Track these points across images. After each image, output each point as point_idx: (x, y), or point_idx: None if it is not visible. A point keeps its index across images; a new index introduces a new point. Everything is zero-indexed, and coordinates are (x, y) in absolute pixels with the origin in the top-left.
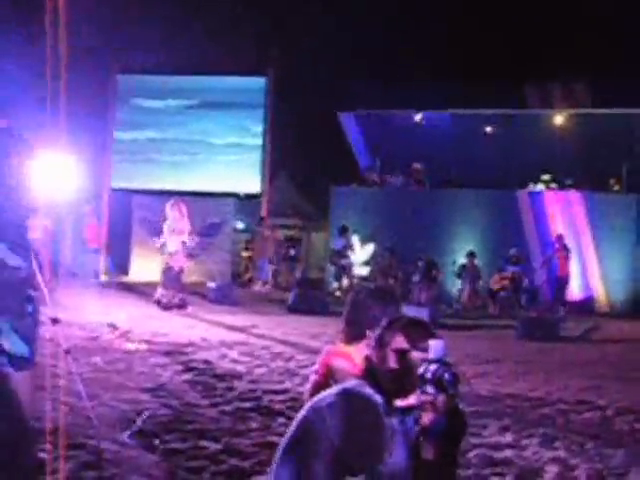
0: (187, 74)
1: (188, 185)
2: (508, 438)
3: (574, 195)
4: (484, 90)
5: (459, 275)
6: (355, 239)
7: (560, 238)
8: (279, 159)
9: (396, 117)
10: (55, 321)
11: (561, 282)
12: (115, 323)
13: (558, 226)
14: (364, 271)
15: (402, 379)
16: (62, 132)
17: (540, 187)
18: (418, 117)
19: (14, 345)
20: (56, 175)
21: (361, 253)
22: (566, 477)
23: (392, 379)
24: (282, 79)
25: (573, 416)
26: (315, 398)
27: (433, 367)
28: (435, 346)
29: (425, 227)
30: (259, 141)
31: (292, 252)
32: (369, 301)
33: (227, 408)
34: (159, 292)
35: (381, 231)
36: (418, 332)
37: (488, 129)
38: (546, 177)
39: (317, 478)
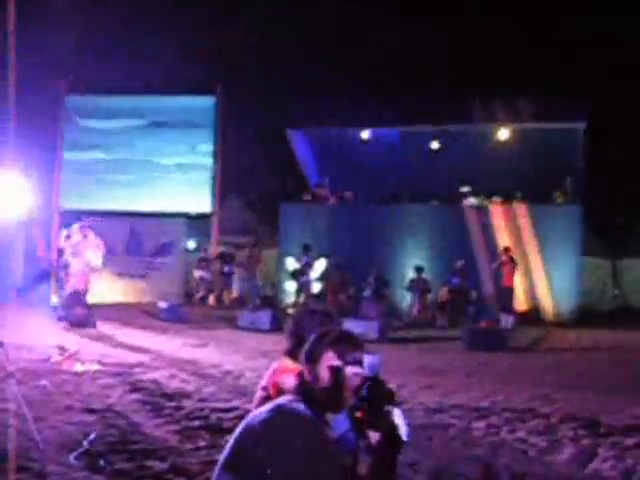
0: (135, 94)
1: (138, 205)
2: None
3: (520, 207)
4: (430, 106)
5: (408, 289)
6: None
7: (507, 250)
8: (229, 177)
9: (344, 134)
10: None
11: (507, 293)
12: (64, 345)
13: (505, 238)
14: (316, 288)
15: (335, 394)
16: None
17: (486, 201)
18: (366, 134)
19: None
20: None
21: (313, 270)
22: None
23: (325, 395)
24: (231, 97)
25: (518, 424)
26: (250, 415)
27: (368, 384)
28: (370, 362)
29: (375, 242)
30: (209, 160)
31: (226, 269)
32: (306, 321)
33: (175, 427)
34: (59, 311)
35: (331, 247)
36: (347, 346)
37: (434, 145)
38: (465, 189)
39: None
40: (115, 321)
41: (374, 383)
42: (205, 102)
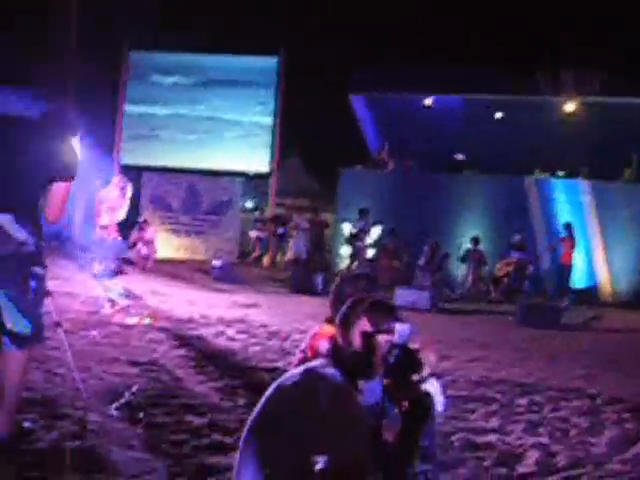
0: (199, 52)
1: (197, 163)
2: (493, 423)
3: (582, 183)
4: (496, 75)
5: (464, 260)
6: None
7: (568, 227)
8: (289, 139)
9: (406, 100)
10: (48, 294)
11: (565, 270)
12: (116, 298)
13: (565, 214)
14: (370, 253)
15: (366, 360)
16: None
17: (547, 174)
18: (428, 100)
19: (16, 323)
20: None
21: (369, 236)
22: (545, 463)
23: (356, 360)
24: (294, 60)
25: (562, 403)
26: (281, 377)
27: (396, 352)
28: (401, 331)
29: (432, 211)
30: (269, 121)
31: (280, 230)
32: (348, 286)
33: (217, 384)
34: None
35: (388, 214)
36: (381, 314)
37: (498, 114)
38: (460, 156)
39: (281, 456)
40: (169, 277)
41: (401, 351)
42: (268, 62)
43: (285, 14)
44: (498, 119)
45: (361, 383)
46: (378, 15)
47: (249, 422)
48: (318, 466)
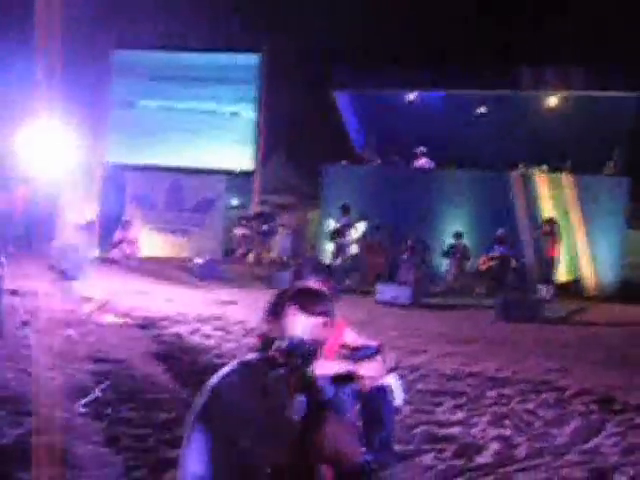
0: (182, 50)
1: (181, 161)
2: (459, 416)
3: (566, 178)
4: (478, 71)
5: (447, 255)
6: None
7: (550, 221)
8: (273, 137)
9: (389, 96)
10: (14, 292)
11: (549, 264)
12: (94, 296)
13: (549, 208)
14: (354, 249)
15: (299, 351)
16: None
17: (530, 169)
18: (411, 97)
19: None
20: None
21: (354, 232)
22: (505, 454)
23: (290, 351)
24: (276, 57)
25: (531, 396)
26: (220, 371)
27: (291, 343)
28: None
29: (416, 207)
30: (252, 118)
31: (265, 228)
32: (305, 273)
33: (188, 381)
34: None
35: (371, 210)
36: (310, 299)
37: (481, 110)
38: (421, 149)
39: (222, 449)
40: (151, 275)
41: (294, 345)
42: (251, 59)
43: (267, 11)
44: (481, 114)
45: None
46: (362, 11)
47: (193, 410)
48: (257, 459)
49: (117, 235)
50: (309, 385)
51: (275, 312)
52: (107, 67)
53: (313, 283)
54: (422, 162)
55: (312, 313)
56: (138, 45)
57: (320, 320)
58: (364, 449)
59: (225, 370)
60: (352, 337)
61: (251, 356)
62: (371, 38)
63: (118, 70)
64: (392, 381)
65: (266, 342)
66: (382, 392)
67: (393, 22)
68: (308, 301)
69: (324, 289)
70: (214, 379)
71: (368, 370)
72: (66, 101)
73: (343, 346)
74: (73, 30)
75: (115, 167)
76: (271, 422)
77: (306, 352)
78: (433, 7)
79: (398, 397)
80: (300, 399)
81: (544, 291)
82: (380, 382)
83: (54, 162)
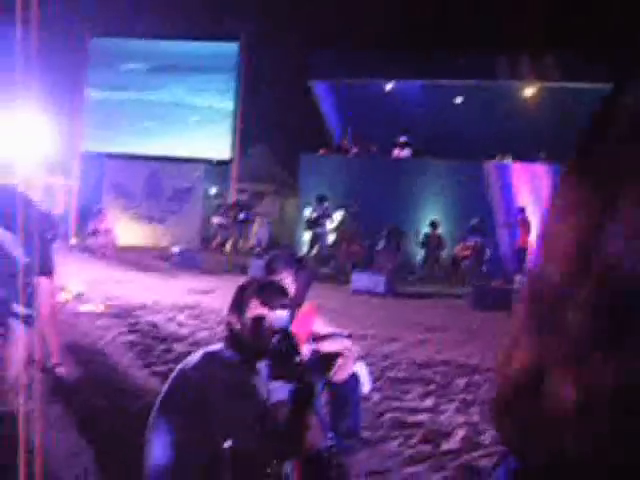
0: (160, 38)
1: (160, 150)
2: (428, 403)
3: (540, 167)
4: (455, 60)
5: (423, 244)
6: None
7: (522, 211)
8: (252, 126)
9: (367, 86)
10: None
11: (522, 254)
12: (69, 286)
13: (524, 198)
14: (331, 238)
15: (260, 343)
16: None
17: (507, 159)
18: (389, 86)
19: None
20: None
21: (330, 221)
22: (471, 440)
23: (251, 343)
24: (254, 45)
25: None
26: (184, 360)
27: (277, 337)
28: (280, 317)
29: (392, 196)
30: (231, 107)
31: (242, 216)
32: (276, 264)
33: (159, 369)
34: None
35: (349, 199)
36: (272, 293)
37: (458, 100)
38: (403, 138)
39: (186, 437)
40: (128, 264)
41: (282, 336)
42: (229, 48)
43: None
44: (458, 104)
45: (260, 364)
46: (341, 0)
47: (157, 401)
48: (223, 449)
49: (91, 224)
50: (301, 375)
51: (238, 307)
52: (84, 55)
53: (285, 274)
54: (405, 153)
55: (275, 307)
56: (116, 33)
57: (284, 313)
58: (330, 435)
59: (191, 358)
60: (321, 326)
61: (218, 346)
62: (349, 28)
63: (95, 58)
64: (359, 369)
65: (231, 335)
66: (350, 380)
67: (370, 12)
68: (271, 296)
69: (284, 283)
70: (180, 366)
71: (330, 346)
72: (43, 89)
73: (312, 335)
74: (50, 18)
75: (93, 156)
76: (238, 409)
77: (294, 342)
78: None
79: (365, 384)
80: (278, 385)
81: (519, 281)
82: (350, 371)
83: (30, 151)
